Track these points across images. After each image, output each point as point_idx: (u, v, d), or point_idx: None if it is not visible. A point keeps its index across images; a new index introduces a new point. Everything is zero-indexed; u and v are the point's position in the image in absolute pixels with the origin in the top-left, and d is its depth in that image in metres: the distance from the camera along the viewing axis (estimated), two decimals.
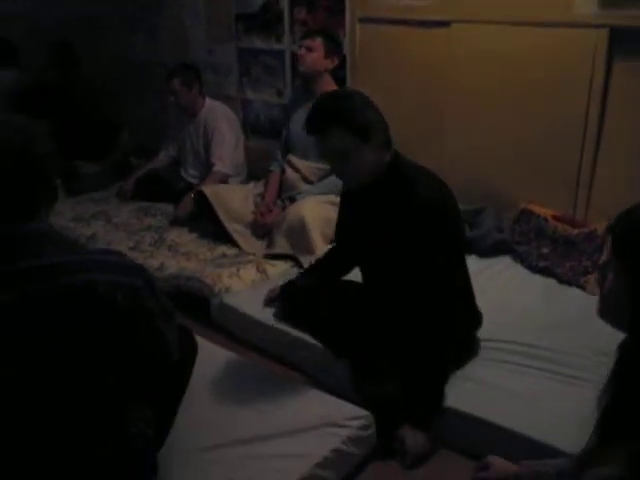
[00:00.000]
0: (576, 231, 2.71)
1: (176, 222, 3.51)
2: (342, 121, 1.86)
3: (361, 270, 2.27)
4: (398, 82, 3.18)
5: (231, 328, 2.65)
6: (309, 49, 3.14)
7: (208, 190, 3.28)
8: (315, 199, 3.08)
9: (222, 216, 3.20)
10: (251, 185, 3.55)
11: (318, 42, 3.14)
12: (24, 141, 1.29)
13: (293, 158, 3.33)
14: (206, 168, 3.73)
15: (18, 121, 1.34)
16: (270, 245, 3.07)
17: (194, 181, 3.81)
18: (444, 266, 1.95)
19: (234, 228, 3.20)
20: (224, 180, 3.66)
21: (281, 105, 3.75)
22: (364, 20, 3.23)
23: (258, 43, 3.78)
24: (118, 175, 4.25)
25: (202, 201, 3.28)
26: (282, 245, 3.01)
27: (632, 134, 2.59)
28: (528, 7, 2.66)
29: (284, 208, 3.22)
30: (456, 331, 2.02)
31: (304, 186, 3.26)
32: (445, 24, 2.91)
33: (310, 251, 2.88)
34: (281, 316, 2.50)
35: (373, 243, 2.05)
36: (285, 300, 2.49)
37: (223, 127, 3.68)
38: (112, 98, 4.32)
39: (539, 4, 2.63)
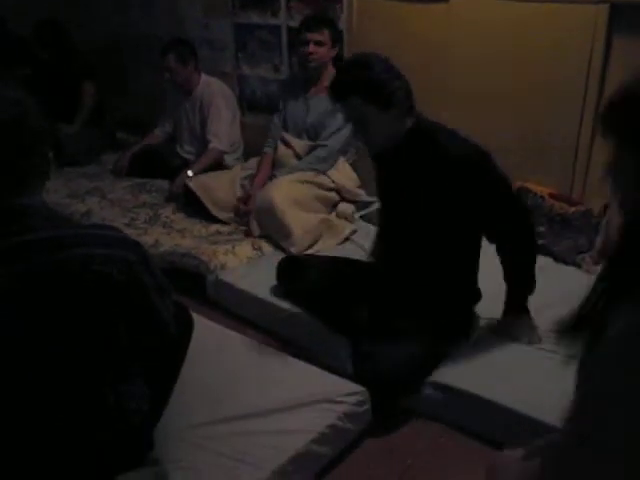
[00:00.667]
0: (572, 209, 2.72)
1: (171, 199, 3.48)
2: (361, 90, 1.91)
3: (386, 229, 2.29)
4: (397, 58, 3.10)
5: (227, 305, 2.66)
6: (319, 44, 3.09)
7: (193, 183, 3.26)
8: (286, 179, 3.05)
9: (211, 208, 3.19)
10: (238, 168, 3.48)
11: (326, 34, 3.09)
12: (18, 114, 1.28)
13: (287, 135, 3.29)
14: (202, 145, 3.71)
15: (11, 94, 1.32)
16: (250, 230, 3.02)
17: (190, 157, 3.79)
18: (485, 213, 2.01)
19: (224, 217, 3.18)
20: (220, 157, 3.64)
21: (278, 80, 3.71)
22: None
23: (254, 18, 3.73)
24: (104, 142, 4.28)
25: (189, 194, 3.26)
26: (256, 229, 2.98)
27: None
28: None
29: None
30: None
31: (294, 162, 3.23)
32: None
33: (286, 235, 2.84)
34: (280, 292, 2.50)
35: (409, 202, 2.07)
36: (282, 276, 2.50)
37: (219, 103, 3.64)
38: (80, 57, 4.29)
39: None
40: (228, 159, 3.69)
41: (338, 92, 1.99)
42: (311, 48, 3.09)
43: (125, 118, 4.66)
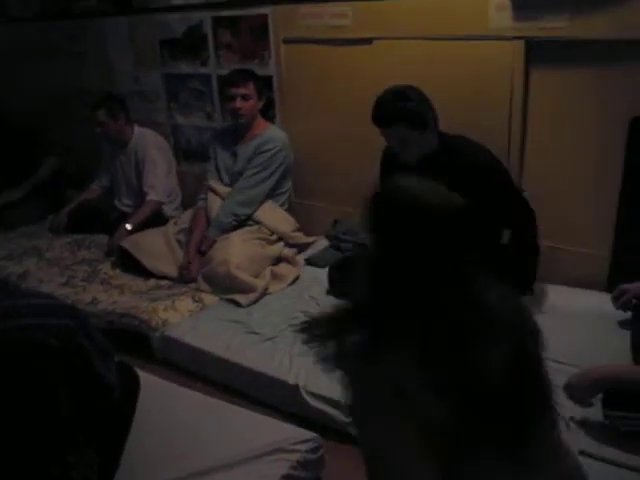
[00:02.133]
0: None
1: (110, 253, 3.42)
2: (405, 119, 2.30)
3: None
4: (326, 100, 3.21)
5: (174, 360, 2.62)
6: (245, 97, 3.12)
7: (127, 244, 3.23)
8: (240, 237, 3.06)
9: (147, 265, 3.15)
10: (171, 223, 3.45)
11: (251, 87, 3.14)
12: None
13: (214, 184, 3.30)
14: (140, 197, 3.68)
15: None
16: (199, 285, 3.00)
17: (128, 210, 3.75)
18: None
19: (162, 274, 3.14)
20: (158, 208, 3.60)
21: (211, 128, 3.72)
22: (288, 41, 3.23)
23: (184, 68, 3.74)
24: (48, 205, 4.18)
25: (125, 254, 3.22)
26: (207, 288, 2.95)
27: (554, 142, 2.67)
28: (445, 22, 2.72)
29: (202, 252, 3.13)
30: None
31: None
32: (367, 41, 2.95)
33: (246, 291, 2.83)
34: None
35: None
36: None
37: (154, 154, 3.63)
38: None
39: (455, 19, 2.69)
40: (167, 209, 3.66)
41: (384, 121, 2.34)
42: (238, 103, 3.12)
43: (60, 174, 4.60)
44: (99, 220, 3.80)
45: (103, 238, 3.65)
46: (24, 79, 4.68)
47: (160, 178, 3.62)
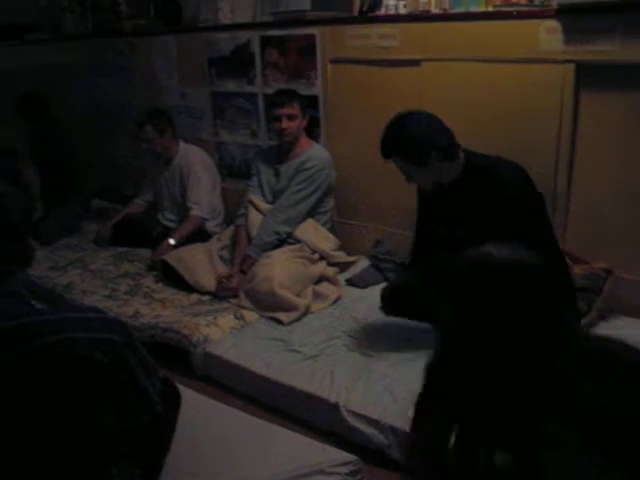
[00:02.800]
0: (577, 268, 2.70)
1: (153, 267, 3.45)
2: (400, 152, 2.21)
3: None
4: (371, 120, 3.19)
5: (215, 377, 2.62)
6: (291, 117, 3.15)
7: (171, 258, 3.25)
8: (284, 255, 3.06)
9: (190, 280, 3.17)
10: (214, 240, 3.48)
11: (296, 107, 3.16)
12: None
13: (255, 199, 3.32)
14: (183, 212, 3.71)
15: None
16: (239, 300, 3.00)
17: (171, 225, 3.79)
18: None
19: (204, 290, 3.15)
20: (201, 224, 3.63)
21: (256, 146, 3.76)
22: (335, 61, 3.25)
23: (231, 86, 3.78)
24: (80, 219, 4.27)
25: (167, 268, 3.25)
26: (248, 304, 2.95)
27: (603, 164, 2.63)
28: (495, 45, 2.70)
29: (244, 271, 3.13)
30: None
31: None
32: (415, 63, 2.95)
33: (287, 309, 2.82)
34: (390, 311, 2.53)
35: (464, 233, 2.21)
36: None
37: (199, 171, 3.66)
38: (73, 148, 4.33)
39: (505, 42, 2.67)
40: (209, 225, 3.69)
41: (382, 152, 2.26)
42: (284, 124, 3.14)
43: (104, 187, 4.69)
44: (142, 234, 3.85)
45: (146, 252, 3.69)
46: (75, 93, 4.79)
47: (204, 194, 3.65)
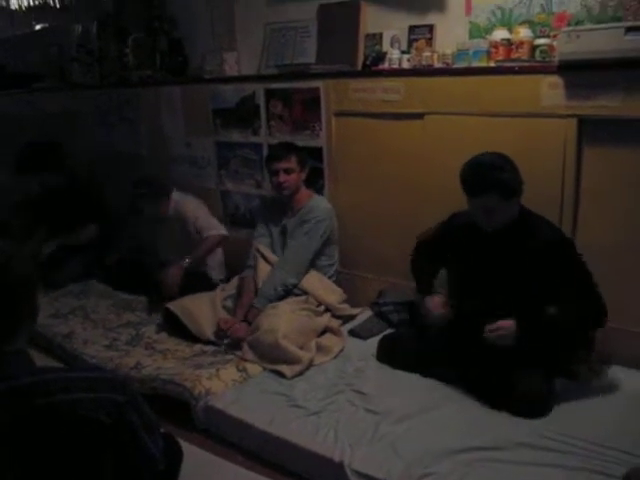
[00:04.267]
0: None
1: (159, 291, 3.48)
2: (498, 189, 2.30)
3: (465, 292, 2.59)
4: (374, 172, 3.23)
5: (216, 431, 2.57)
6: (288, 171, 3.17)
7: (174, 306, 3.23)
8: (289, 307, 3.03)
9: (193, 329, 3.15)
10: (218, 289, 3.45)
11: (293, 160, 3.19)
12: (1, 265, 1.27)
13: (265, 251, 3.32)
14: (184, 248, 3.69)
15: None
16: (242, 355, 2.95)
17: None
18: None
19: (206, 338, 3.13)
20: (220, 241, 3.72)
21: (260, 196, 3.78)
22: (339, 114, 3.29)
23: (235, 136, 3.82)
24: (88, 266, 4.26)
25: (170, 316, 3.23)
26: (250, 356, 2.90)
27: (606, 217, 2.63)
28: (497, 99, 2.73)
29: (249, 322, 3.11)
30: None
31: None
32: (418, 116, 2.98)
33: (290, 362, 2.78)
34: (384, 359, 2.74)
35: (502, 275, 2.44)
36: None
37: (197, 209, 3.73)
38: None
39: (508, 96, 2.70)
40: (213, 275, 3.69)
41: (477, 189, 2.34)
42: (281, 177, 3.17)
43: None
44: (142, 279, 3.83)
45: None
46: (80, 141, 4.84)
47: (210, 219, 3.72)
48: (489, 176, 2.32)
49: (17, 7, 6.22)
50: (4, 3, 6.36)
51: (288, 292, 3.16)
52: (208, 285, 3.58)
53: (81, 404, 1.28)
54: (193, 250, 3.63)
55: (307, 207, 3.23)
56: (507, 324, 2.34)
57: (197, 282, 3.56)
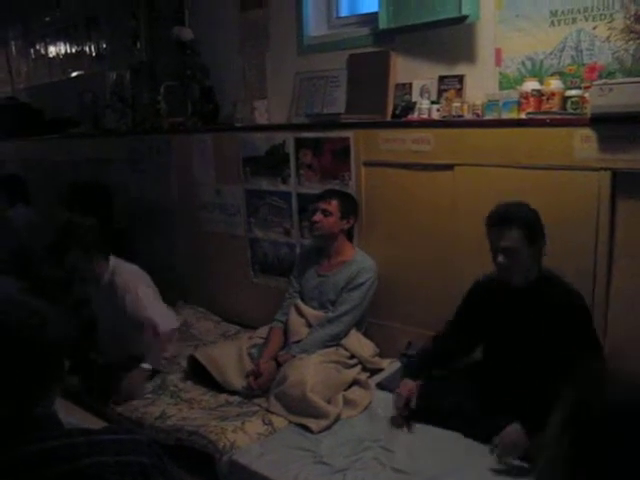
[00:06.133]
0: None
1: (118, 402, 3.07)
2: (522, 224, 2.35)
3: (486, 357, 2.66)
4: (404, 223, 3.20)
5: None
6: (325, 212, 3.18)
7: (200, 355, 3.20)
8: (318, 359, 2.98)
9: (219, 379, 3.12)
10: (245, 337, 3.43)
11: (334, 205, 3.19)
12: (38, 326, 1.27)
13: (301, 304, 3.29)
14: (120, 338, 3.31)
15: (32, 303, 1.32)
16: (268, 404, 2.91)
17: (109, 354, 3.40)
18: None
19: (232, 388, 3.10)
20: (172, 335, 3.30)
21: (289, 244, 3.78)
22: (369, 164, 3.28)
23: (265, 184, 3.84)
24: None
25: (196, 365, 3.20)
26: (276, 407, 2.85)
27: None
28: (529, 151, 2.70)
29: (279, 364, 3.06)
30: None
31: (305, 331, 3.21)
32: (449, 167, 2.96)
33: (317, 416, 2.72)
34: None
35: (519, 342, 2.44)
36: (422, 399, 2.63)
37: (139, 287, 3.25)
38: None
39: (539, 149, 2.67)
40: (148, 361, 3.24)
41: (500, 220, 2.38)
42: (317, 217, 3.18)
43: None
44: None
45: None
46: (113, 187, 4.91)
47: (158, 308, 3.28)
48: (512, 210, 2.38)
49: (54, 55, 6.41)
50: (43, 51, 6.57)
51: (332, 345, 3.13)
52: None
53: (106, 468, 1.26)
54: (149, 351, 3.19)
55: (355, 266, 3.20)
56: (512, 435, 2.26)
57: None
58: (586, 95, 2.60)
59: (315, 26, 3.81)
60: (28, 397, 1.27)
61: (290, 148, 3.64)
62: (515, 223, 2.35)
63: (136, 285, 3.24)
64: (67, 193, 4.51)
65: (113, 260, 3.34)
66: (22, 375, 1.25)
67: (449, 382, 2.68)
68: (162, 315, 3.24)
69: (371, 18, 3.41)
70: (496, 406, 2.44)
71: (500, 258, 2.40)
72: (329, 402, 2.80)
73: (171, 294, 4.05)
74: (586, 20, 2.69)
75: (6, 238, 4.98)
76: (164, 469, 1.37)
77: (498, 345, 2.55)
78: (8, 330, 1.24)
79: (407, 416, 2.64)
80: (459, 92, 3.06)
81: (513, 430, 2.26)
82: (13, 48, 7.24)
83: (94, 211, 4.27)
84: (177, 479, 1.44)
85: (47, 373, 1.29)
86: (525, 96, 2.76)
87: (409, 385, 2.65)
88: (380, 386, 3.04)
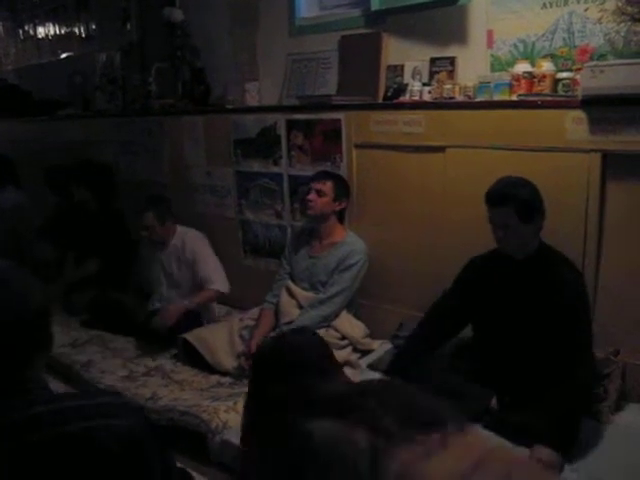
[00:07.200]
0: None
1: (155, 326, 3.42)
2: (514, 202, 2.34)
3: (478, 333, 2.66)
4: (395, 205, 3.21)
5: (232, 465, 2.53)
6: (319, 193, 3.19)
7: (191, 336, 3.23)
8: None
9: (210, 360, 3.14)
10: (236, 319, 3.45)
11: (329, 186, 3.19)
12: (18, 297, 1.28)
13: (292, 285, 3.30)
14: (186, 293, 3.68)
15: (12, 274, 1.33)
16: None
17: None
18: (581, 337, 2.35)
19: (223, 369, 3.13)
20: (216, 298, 3.68)
21: (280, 226, 3.78)
22: (360, 145, 3.28)
23: (256, 166, 3.83)
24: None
25: (187, 346, 3.23)
26: None
27: (630, 253, 2.59)
28: (520, 133, 2.71)
29: None
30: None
31: (296, 312, 3.23)
32: (440, 149, 2.97)
33: None
34: None
35: (514, 313, 2.45)
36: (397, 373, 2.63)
37: (202, 249, 3.67)
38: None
39: (531, 130, 2.68)
40: (205, 315, 3.72)
41: (496, 199, 2.39)
42: (311, 196, 3.18)
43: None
44: (126, 320, 3.79)
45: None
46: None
47: (214, 269, 3.63)
48: (509, 190, 2.38)
49: (43, 36, 6.35)
50: (31, 32, 6.50)
51: (323, 326, 3.14)
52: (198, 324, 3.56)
53: (96, 432, 1.27)
54: (192, 295, 3.59)
55: (346, 248, 3.22)
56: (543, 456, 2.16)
57: (188, 321, 3.50)
58: (577, 77, 2.61)
59: (307, 7, 3.79)
60: (14, 364, 1.28)
61: (281, 130, 3.62)
62: (510, 202, 2.35)
63: (202, 249, 3.67)
64: (72, 170, 4.49)
65: (180, 228, 3.76)
66: (7, 344, 1.26)
67: (442, 361, 2.68)
68: (221, 278, 3.61)
69: None
70: (491, 386, 2.46)
71: (498, 233, 2.44)
72: None
73: None
74: (578, 2, 2.70)
75: None
76: (151, 435, 1.38)
77: (494, 320, 2.54)
78: None
79: None
80: (451, 74, 3.07)
81: (544, 452, 2.15)
82: (1, 29, 7.17)
83: (99, 189, 4.30)
84: (165, 448, 1.45)
85: (32, 341, 1.30)
86: (517, 78, 2.77)
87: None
88: (371, 367, 3.06)
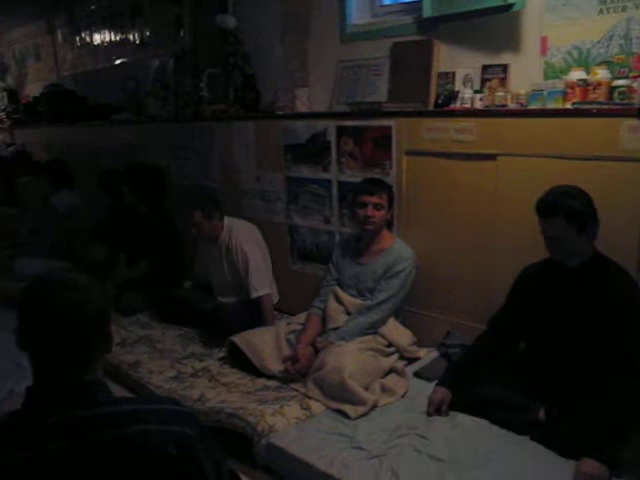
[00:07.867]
0: None
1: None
2: (564, 213, 2.31)
3: (529, 343, 2.64)
4: (445, 213, 3.19)
5: (277, 469, 2.56)
6: (377, 207, 3.18)
7: (239, 339, 3.26)
8: (356, 346, 3.00)
9: (257, 364, 3.17)
10: (283, 323, 3.48)
11: (385, 198, 3.20)
12: (82, 300, 1.33)
13: (340, 292, 3.31)
14: (235, 289, 3.82)
15: (75, 278, 1.37)
16: (306, 389, 2.95)
17: (224, 301, 3.87)
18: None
19: (270, 373, 3.15)
20: (269, 300, 3.72)
21: (328, 231, 3.79)
22: (411, 153, 3.26)
23: (305, 172, 3.85)
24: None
25: (235, 349, 3.26)
26: (314, 392, 2.88)
27: None
28: (573, 142, 2.66)
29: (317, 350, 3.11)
30: None
31: (344, 318, 3.24)
32: (491, 157, 2.93)
33: (355, 402, 2.73)
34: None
35: (567, 322, 2.43)
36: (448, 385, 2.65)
37: (246, 249, 3.72)
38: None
39: (584, 139, 2.63)
40: None
41: (547, 210, 2.36)
42: (370, 211, 3.17)
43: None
44: (193, 312, 3.90)
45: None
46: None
47: (260, 272, 3.70)
48: (559, 200, 2.34)
49: (99, 42, 6.51)
50: (88, 39, 6.68)
51: (370, 333, 3.15)
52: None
53: (151, 436, 1.31)
54: (262, 314, 3.67)
55: (394, 255, 3.22)
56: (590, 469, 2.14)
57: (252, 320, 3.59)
58: (634, 85, 2.56)
59: (358, 14, 3.80)
60: (76, 366, 1.33)
61: (331, 136, 3.63)
62: (561, 212, 2.32)
63: (245, 249, 3.71)
64: (123, 172, 4.60)
65: (227, 220, 3.83)
66: (71, 343, 1.32)
67: (491, 372, 2.64)
68: (260, 283, 3.67)
69: (415, 6, 3.39)
70: (540, 397, 2.43)
71: (549, 243, 2.41)
72: (366, 389, 2.81)
73: None
74: (636, 8, 2.64)
75: (50, 222, 5.10)
76: (205, 441, 1.41)
77: (547, 329, 2.51)
78: (54, 305, 1.31)
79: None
80: (503, 81, 3.04)
81: (592, 465, 2.13)
82: (59, 36, 7.39)
83: (149, 191, 4.38)
84: (218, 451, 1.47)
85: (90, 343, 1.35)
86: (571, 86, 2.72)
87: (440, 394, 2.63)
88: (417, 375, 3.05)
